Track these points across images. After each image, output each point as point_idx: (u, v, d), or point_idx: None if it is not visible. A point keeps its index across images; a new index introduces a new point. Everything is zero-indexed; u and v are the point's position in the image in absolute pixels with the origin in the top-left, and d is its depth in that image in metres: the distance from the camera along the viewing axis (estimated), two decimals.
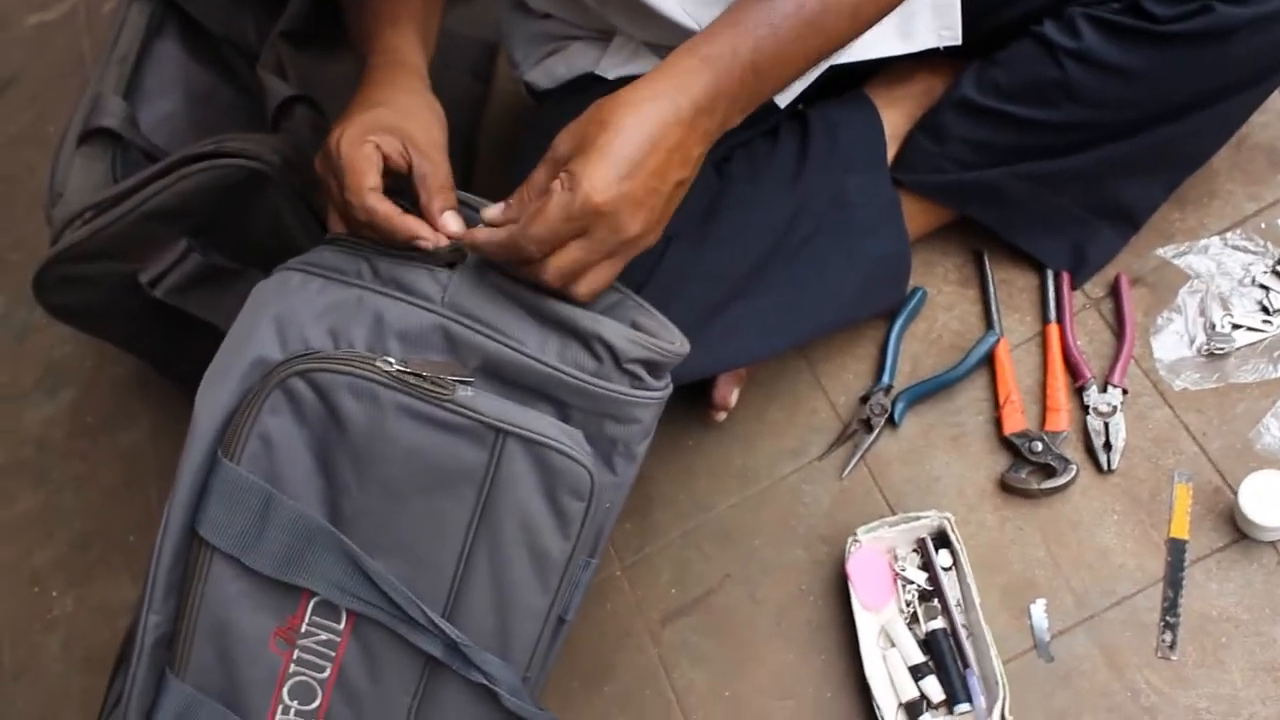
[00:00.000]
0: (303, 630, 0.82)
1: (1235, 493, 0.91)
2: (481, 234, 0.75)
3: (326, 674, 0.83)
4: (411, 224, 0.77)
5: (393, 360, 0.76)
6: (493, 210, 0.76)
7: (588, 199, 0.70)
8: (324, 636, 0.82)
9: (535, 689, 0.85)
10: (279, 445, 0.77)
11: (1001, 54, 0.97)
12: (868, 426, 1.04)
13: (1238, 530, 0.91)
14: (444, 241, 0.78)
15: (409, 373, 0.75)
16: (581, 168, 0.70)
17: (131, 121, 1.12)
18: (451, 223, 0.78)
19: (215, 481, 0.78)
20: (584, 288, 0.74)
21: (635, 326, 0.78)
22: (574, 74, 1.02)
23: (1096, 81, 0.91)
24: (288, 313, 0.79)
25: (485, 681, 0.82)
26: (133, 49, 1.17)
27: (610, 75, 0.98)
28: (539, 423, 0.77)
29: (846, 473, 1.03)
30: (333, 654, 0.83)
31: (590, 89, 0.99)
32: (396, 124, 0.79)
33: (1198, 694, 0.88)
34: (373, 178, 0.77)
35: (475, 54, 1.35)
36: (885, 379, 1.05)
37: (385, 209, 0.77)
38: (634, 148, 0.70)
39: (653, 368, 0.79)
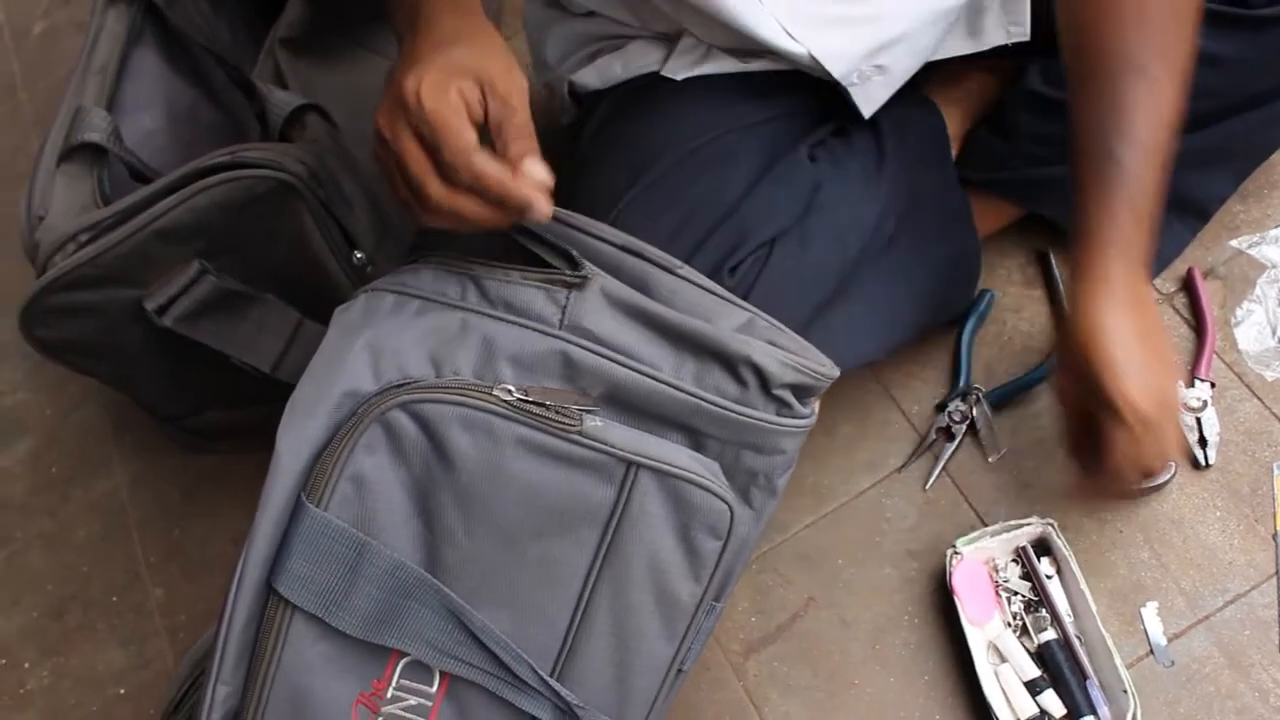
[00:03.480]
0: (389, 695, 0.73)
1: None
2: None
3: None
4: (527, 190, 0.66)
5: (512, 389, 0.68)
6: None
7: (1142, 405, 0.77)
8: (413, 702, 0.73)
9: None
10: (373, 487, 0.68)
11: None
12: (948, 435, 1.00)
13: None
14: (548, 212, 0.67)
15: (531, 402, 0.67)
16: (1115, 395, 0.78)
17: (117, 135, 1.01)
18: (536, 169, 0.66)
19: (298, 530, 0.68)
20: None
21: (774, 346, 0.72)
22: (632, 74, 0.95)
23: None
24: (382, 339, 0.70)
25: None
26: (112, 59, 1.07)
27: (679, 76, 0.91)
28: (675, 454, 0.70)
29: (930, 484, 0.99)
30: None
31: (655, 89, 0.93)
32: (475, 65, 0.67)
33: None
34: (471, 133, 0.66)
35: None
36: (962, 384, 1.01)
37: (496, 171, 0.65)
38: (1131, 343, 0.78)
39: (801, 392, 0.73)
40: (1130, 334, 0.79)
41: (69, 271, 0.92)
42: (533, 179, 0.66)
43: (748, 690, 0.95)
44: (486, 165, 0.65)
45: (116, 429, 1.23)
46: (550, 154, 0.99)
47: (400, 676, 0.73)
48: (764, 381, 0.71)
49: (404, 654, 0.71)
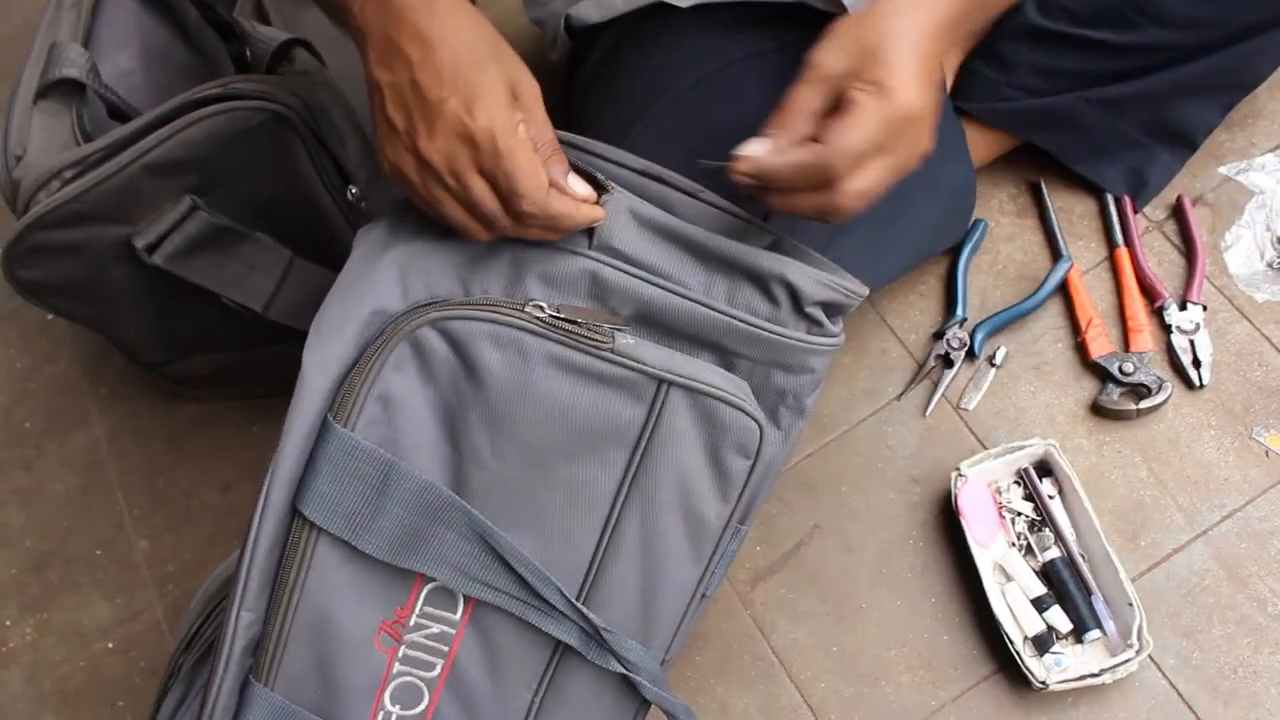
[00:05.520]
0: (412, 623, 0.72)
1: None
2: (774, 160, 0.64)
3: (436, 672, 0.74)
4: (589, 214, 0.66)
5: (544, 306, 0.67)
6: (757, 145, 0.65)
7: (907, 104, 0.63)
8: (436, 629, 0.73)
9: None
10: (401, 407, 0.67)
11: None
12: (947, 362, 1.01)
13: None
14: (603, 216, 0.68)
15: (564, 319, 0.67)
16: (886, 76, 0.63)
17: (95, 72, 0.97)
18: (579, 187, 0.67)
19: (325, 452, 0.66)
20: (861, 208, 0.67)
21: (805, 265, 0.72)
22: (634, 5, 0.93)
23: (1180, 2, 0.91)
24: (409, 257, 0.68)
25: (624, 670, 0.74)
26: None
27: (684, 3, 0.91)
28: (707, 373, 0.70)
29: (930, 410, 1.00)
30: (446, 648, 0.73)
31: (657, 19, 0.92)
32: (508, 78, 0.63)
33: None
34: (544, 175, 0.64)
35: None
36: (959, 312, 1.02)
37: (569, 209, 0.65)
38: (918, 58, 0.64)
39: (832, 310, 0.73)
40: (925, 50, 0.65)
41: (56, 208, 0.89)
42: (578, 196, 0.66)
43: (755, 618, 0.96)
44: (560, 204, 0.64)
45: (92, 381, 1.19)
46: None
47: (424, 604, 0.72)
48: (796, 299, 0.70)
49: (428, 580, 0.71)
